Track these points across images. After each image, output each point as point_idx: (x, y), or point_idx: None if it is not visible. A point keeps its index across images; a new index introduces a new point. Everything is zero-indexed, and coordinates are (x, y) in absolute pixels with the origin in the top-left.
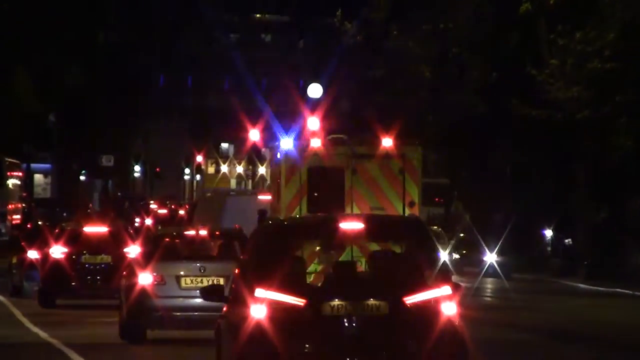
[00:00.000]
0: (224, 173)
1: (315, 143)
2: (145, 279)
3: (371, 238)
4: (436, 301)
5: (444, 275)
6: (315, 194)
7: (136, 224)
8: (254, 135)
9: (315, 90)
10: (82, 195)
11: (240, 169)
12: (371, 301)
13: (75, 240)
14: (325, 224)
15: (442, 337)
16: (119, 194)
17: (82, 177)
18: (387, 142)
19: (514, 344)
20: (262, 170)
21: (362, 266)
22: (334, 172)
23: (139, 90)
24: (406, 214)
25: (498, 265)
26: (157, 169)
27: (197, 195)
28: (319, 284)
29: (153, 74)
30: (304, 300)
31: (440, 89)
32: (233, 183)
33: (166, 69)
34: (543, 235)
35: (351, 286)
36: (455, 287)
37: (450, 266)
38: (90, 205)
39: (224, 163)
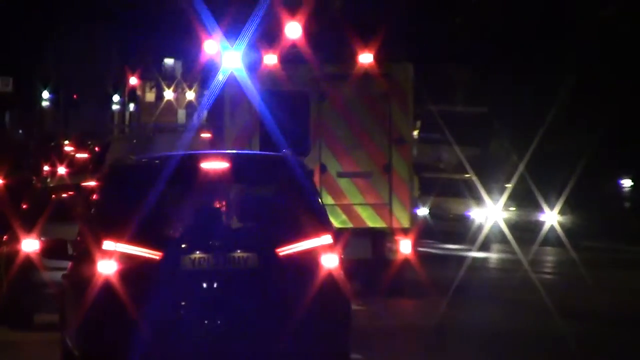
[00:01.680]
0: (169, 101)
1: (270, 59)
2: (29, 245)
3: (238, 180)
4: (314, 252)
5: (323, 222)
6: (271, 129)
7: (44, 174)
8: (211, 47)
9: None
10: None
11: (191, 95)
12: (238, 253)
13: None
14: (184, 163)
15: (320, 293)
16: (20, 131)
17: None
18: (365, 57)
19: (586, 338)
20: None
21: (228, 213)
22: (295, 98)
23: None
24: (392, 155)
25: (561, 229)
26: (74, 96)
27: (115, 134)
28: (178, 235)
29: None
30: (159, 253)
31: None
32: (181, 115)
33: None
34: (619, 187)
35: (215, 236)
36: (337, 235)
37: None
38: None
39: (169, 87)
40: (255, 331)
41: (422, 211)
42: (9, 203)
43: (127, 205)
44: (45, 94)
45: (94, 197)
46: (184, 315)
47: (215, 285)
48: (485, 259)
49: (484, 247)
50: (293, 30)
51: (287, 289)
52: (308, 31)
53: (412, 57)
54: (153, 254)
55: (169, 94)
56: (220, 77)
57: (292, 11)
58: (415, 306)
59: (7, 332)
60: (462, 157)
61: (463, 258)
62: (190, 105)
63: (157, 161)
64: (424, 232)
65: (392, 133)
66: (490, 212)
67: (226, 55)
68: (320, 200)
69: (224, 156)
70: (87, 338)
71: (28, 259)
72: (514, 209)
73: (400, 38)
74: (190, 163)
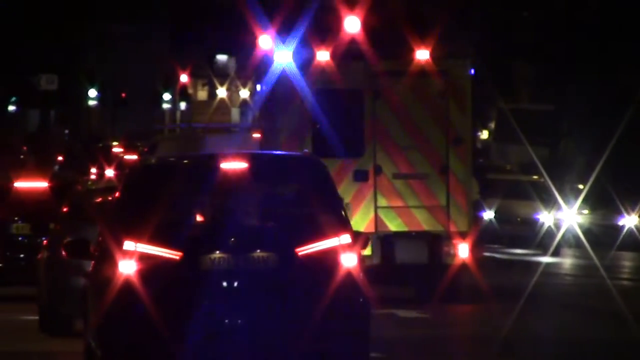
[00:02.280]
0: (222, 99)
1: (323, 56)
2: None
3: (257, 180)
4: (333, 251)
5: (342, 222)
6: (324, 129)
7: (92, 176)
8: (266, 42)
9: None
10: (11, 133)
11: (245, 93)
12: (257, 253)
13: (1, 202)
14: (204, 163)
15: (339, 293)
16: (66, 131)
17: (10, 107)
18: (422, 54)
19: None
20: None
21: (247, 213)
22: (349, 96)
23: None
24: (450, 155)
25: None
26: (123, 94)
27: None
28: (199, 235)
29: None
30: (179, 253)
31: None
32: (235, 114)
33: None
34: None
35: (235, 236)
36: (357, 235)
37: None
38: (25, 148)
39: (222, 85)
40: (275, 330)
41: (488, 214)
42: (52, 206)
43: (147, 205)
44: (93, 93)
45: (116, 196)
46: (204, 314)
47: (235, 284)
48: (556, 265)
49: (555, 251)
50: (352, 24)
51: (306, 288)
52: (366, 26)
53: (473, 53)
54: (173, 254)
55: (222, 92)
56: (273, 75)
57: (350, 5)
58: (475, 313)
59: (49, 340)
60: (534, 156)
61: (532, 263)
62: (244, 104)
63: (177, 161)
64: (489, 236)
65: (450, 133)
66: (564, 215)
67: (278, 51)
68: (340, 199)
69: (243, 156)
70: (108, 337)
71: (67, 264)
72: (587, 212)
73: (458, 34)
74: (210, 163)
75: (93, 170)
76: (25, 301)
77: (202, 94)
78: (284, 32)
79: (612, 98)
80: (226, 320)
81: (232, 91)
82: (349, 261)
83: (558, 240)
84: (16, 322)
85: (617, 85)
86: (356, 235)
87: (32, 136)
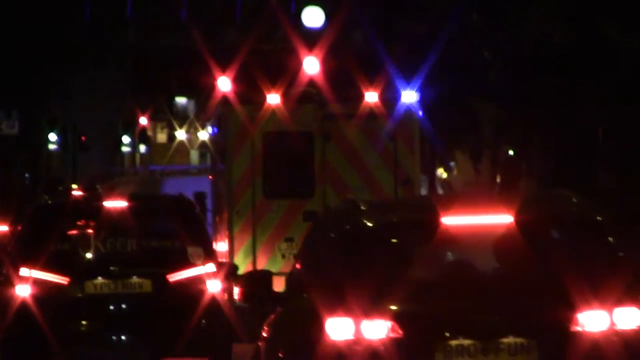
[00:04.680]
0: (181, 141)
1: (273, 99)
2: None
3: (137, 217)
4: (200, 278)
5: (208, 252)
6: (274, 170)
7: None
8: (225, 84)
9: (313, 17)
10: None
11: (204, 135)
12: (134, 279)
13: None
14: (89, 202)
15: (205, 315)
16: (27, 175)
17: None
18: (371, 96)
19: None
20: None
21: (128, 245)
22: (299, 138)
23: (55, 24)
24: (398, 196)
25: None
26: (83, 138)
27: (120, 177)
28: (85, 262)
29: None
30: (67, 279)
31: (498, 8)
32: (194, 156)
33: None
34: None
35: (117, 264)
36: (221, 264)
37: None
38: None
39: (181, 127)
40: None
41: None
42: None
43: (43, 237)
44: (53, 137)
45: (18, 230)
46: (89, 334)
47: (113, 307)
48: None
49: None
50: (310, 66)
51: (176, 310)
52: (322, 68)
53: (428, 94)
54: (62, 279)
55: (181, 135)
56: (225, 117)
57: (310, 47)
58: None
59: None
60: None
61: None
62: (203, 146)
63: (68, 201)
64: None
65: (398, 174)
66: None
67: (233, 94)
68: (208, 233)
69: (124, 196)
70: (6, 350)
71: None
72: None
73: (406, 75)
74: (95, 203)
75: None
76: None
77: (162, 137)
78: (239, 75)
79: (572, 138)
80: (106, 337)
81: (192, 133)
82: (214, 287)
83: None
84: None
85: (576, 126)
86: (221, 265)
87: None
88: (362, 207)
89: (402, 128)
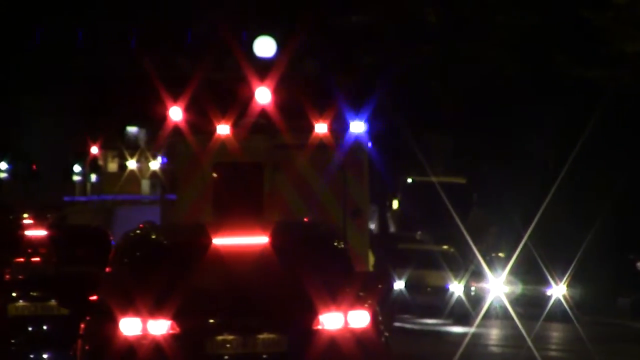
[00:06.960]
0: (132, 171)
1: (223, 129)
2: None
3: (56, 244)
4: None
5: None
6: (224, 201)
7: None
8: (176, 113)
9: (264, 47)
10: None
11: (155, 164)
12: (51, 302)
13: None
14: (12, 232)
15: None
16: None
17: None
18: (320, 127)
19: None
20: None
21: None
22: (249, 169)
23: (5, 51)
24: (347, 227)
25: (568, 302)
26: (33, 166)
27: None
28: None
29: (25, 25)
30: None
31: (451, 40)
32: (145, 185)
33: (46, 19)
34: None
35: (34, 287)
36: None
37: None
38: None
39: (132, 157)
40: None
41: (398, 284)
42: None
43: None
44: (3, 165)
45: None
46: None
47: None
48: (482, 335)
49: (466, 321)
50: (262, 96)
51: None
52: (273, 98)
53: (378, 125)
54: None
55: (132, 164)
56: (175, 147)
57: (262, 78)
58: None
59: None
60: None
61: (445, 333)
62: (154, 176)
63: None
64: (399, 306)
65: (348, 204)
66: (490, 285)
67: (183, 124)
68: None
69: (44, 226)
70: None
71: None
72: (515, 282)
73: (356, 106)
74: (17, 232)
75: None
76: None
77: (113, 166)
78: (190, 104)
79: (522, 167)
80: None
81: (142, 163)
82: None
83: (485, 311)
84: None
85: (526, 155)
86: None
87: None
88: (155, 231)
89: (351, 158)
